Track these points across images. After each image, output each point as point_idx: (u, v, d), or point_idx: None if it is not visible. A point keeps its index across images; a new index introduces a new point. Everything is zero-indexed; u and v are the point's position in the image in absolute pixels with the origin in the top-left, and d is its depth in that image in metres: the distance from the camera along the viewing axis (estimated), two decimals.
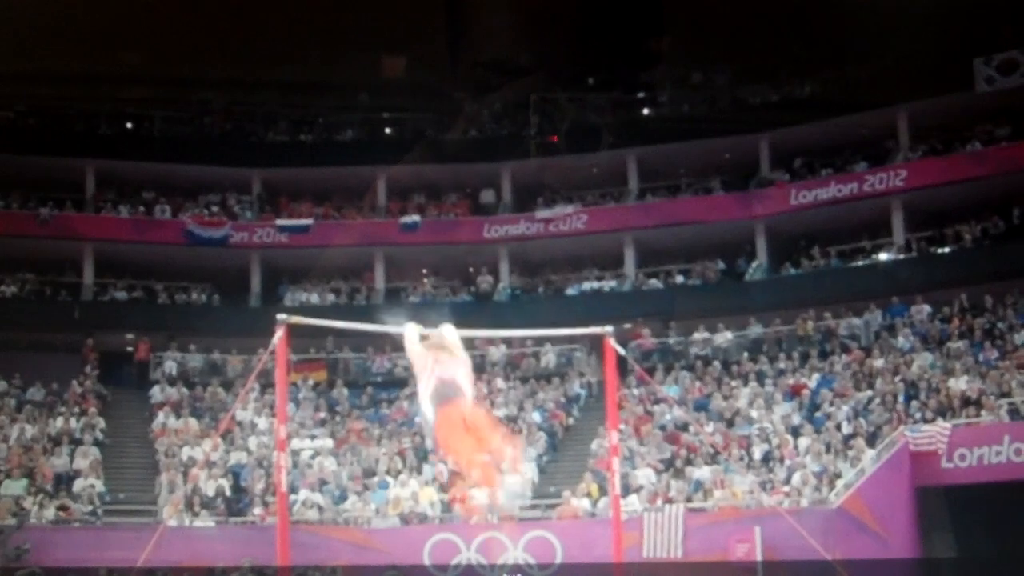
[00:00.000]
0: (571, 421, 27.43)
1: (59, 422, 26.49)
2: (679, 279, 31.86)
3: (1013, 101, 28.80)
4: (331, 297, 32.36)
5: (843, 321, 27.98)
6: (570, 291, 32.12)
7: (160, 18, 32.78)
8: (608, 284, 32.26)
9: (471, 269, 33.13)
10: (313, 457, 25.54)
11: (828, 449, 23.12)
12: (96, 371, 29.16)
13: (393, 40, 34.53)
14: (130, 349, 30.74)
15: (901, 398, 23.95)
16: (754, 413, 25.12)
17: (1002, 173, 28.31)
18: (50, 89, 33.32)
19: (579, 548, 21.73)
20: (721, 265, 31.74)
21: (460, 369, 10.15)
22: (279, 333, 11.45)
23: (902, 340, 26.36)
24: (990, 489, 21.24)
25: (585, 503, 23.43)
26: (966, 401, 23.06)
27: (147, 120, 34.93)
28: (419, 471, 24.94)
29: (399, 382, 29.13)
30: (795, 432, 24.08)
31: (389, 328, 11.24)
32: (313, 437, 26.46)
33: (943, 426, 22.03)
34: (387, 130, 36.07)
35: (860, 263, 30.57)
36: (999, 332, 25.53)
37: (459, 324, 11.32)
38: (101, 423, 26.99)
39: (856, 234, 30.90)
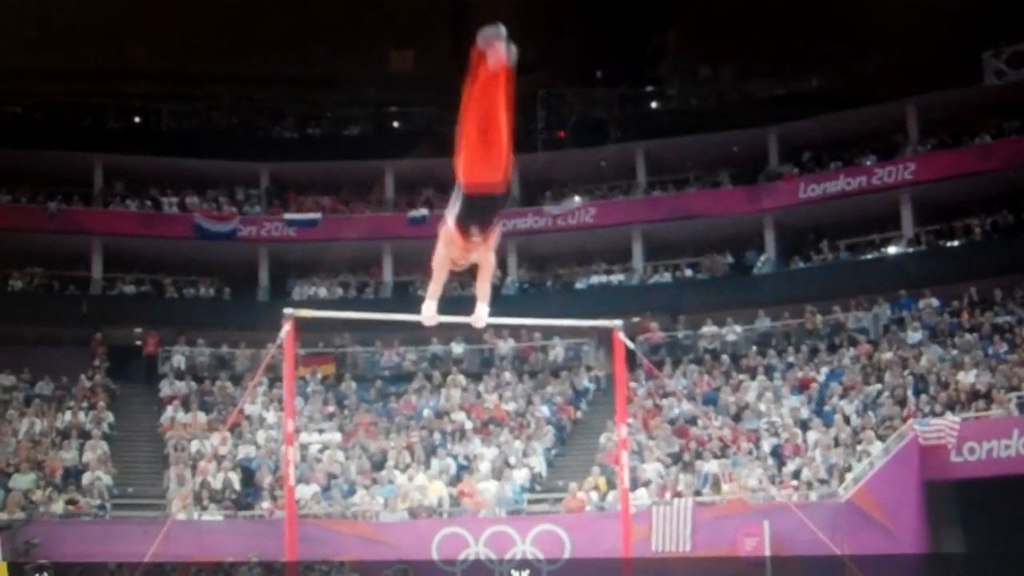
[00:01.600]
0: (579, 415, 27.44)
1: (68, 416, 26.52)
2: (687, 273, 31.82)
3: (1022, 94, 28.70)
4: (339, 291, 32.38)
5: (851, 315, 27.95)
6: (578, 285, 32.11)
7: (167, 12, 32.76)
8: (616, 278, 32.25)
9: None
10: (321, 451, 25.56)
11: (837, 443, 23.08)
12: (105, 365, 29.20)
13: (400, 34, 34.50)
14: (139, 343, 30.78)
15: (910, 392, 23.91)
16: (763, 407, 25.09)
17: (1011, 167, 28.22)
18: (58, 84, 33.33)
19: (587, 542, 21.72)
20: (730, 259, 31.71)
21: None
22: (287, 327, 11.41)
23: (911, 334, 26.31)
24: (999, 483, 21.19)
25: (592, 494, 23.45)
26: (975, 395, 23.01)
27: (155, 115, 34.95)
28: (427, 465, 24.95)
29: (407, 376, 29.18)
30: (804, 426, 24.04)
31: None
32: (321, 431, 26.48)
33: (952, 420, 21.97)
34: (395, 124, 36.08)
35: (869, 257, 30.54)
36: (1008, 325, 25.47)
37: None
38: (110, 417, 27.03)
39: (865, 228, 30.84)
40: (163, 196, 32.86)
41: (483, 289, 9.82)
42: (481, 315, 10.03)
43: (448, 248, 9.19)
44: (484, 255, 9.31)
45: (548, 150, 33.16)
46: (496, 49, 7.97)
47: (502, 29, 8.07)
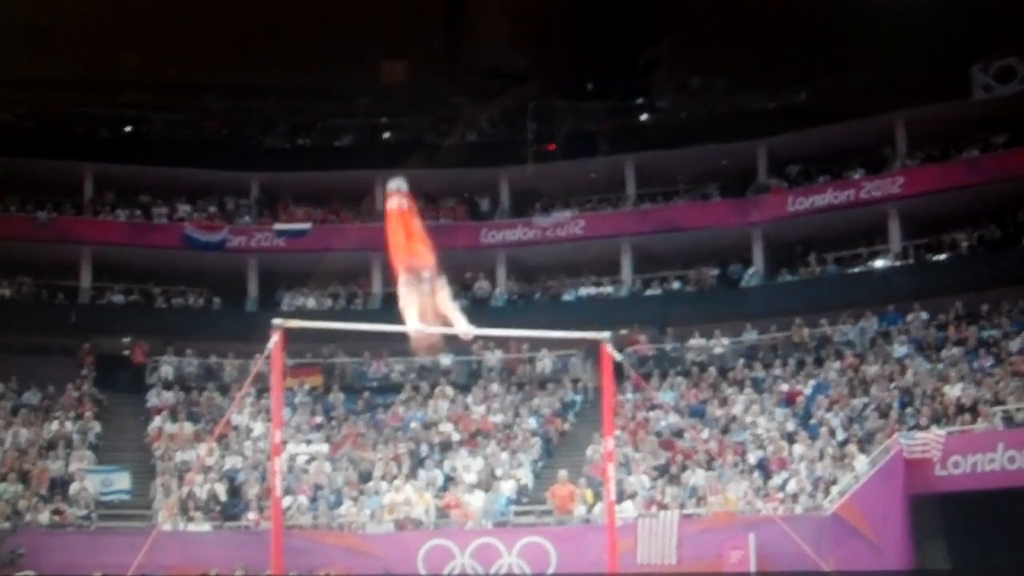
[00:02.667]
0: (566, 427, 27.46)
1: (55, 426, 26.50)
2: (676, 285, 31.85)
3: (1010, 108, 28.78)
4: (328, 302, 32.37)
5: (838, 328, 28.00)
6: (567, 297, 32.13)
7: (159, 22, 32.77)
8: (605, 290, 32.28)
9: (468, 274, 33.08)
10: (308, 462, 25.55)
11: (822, 456, 23.14)
12: (92, 375, 29.19)
13: (392, 45, 34.53)
14: (127, 353, 30.72)
15: (896, 405, 23.98)
16: (749, 420, 25.15)
17: (999, 180, 28.28)
18: (49, 92, 33.31)
19: (573, 555, 21.77)
20: (717, 271, 31.76)
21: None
22: (275, 337, 11.45)
23: (897, 347, 26.37)
24: (984, 497, 21.25)
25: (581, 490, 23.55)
26: (961, 408, 23.08)
27: (146, 124, 34.91)
28: (414, 476, 24.95)
29: (395, 387, 29.18)
30: (790, 439, 24.11)
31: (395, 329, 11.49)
32: (309, 442, 26.49)
33: (937, 433, 22.04)
34: (385, 135, 36.06)
35: (856, 270, 30.60)
36: (994, 339, 25.54)
37: None
38: (97, 427, 27.02)
39: (853, 241, 30.92)
40: (153, 206, 32.87)
41: (450, 311, 11.26)
42: (466, 329, 10.85)
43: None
44: (438, 294, 11.29)
45: (538, 162, 33.20)
46: (392, 199, 12.03)
47: (401, 184, 12.09)
